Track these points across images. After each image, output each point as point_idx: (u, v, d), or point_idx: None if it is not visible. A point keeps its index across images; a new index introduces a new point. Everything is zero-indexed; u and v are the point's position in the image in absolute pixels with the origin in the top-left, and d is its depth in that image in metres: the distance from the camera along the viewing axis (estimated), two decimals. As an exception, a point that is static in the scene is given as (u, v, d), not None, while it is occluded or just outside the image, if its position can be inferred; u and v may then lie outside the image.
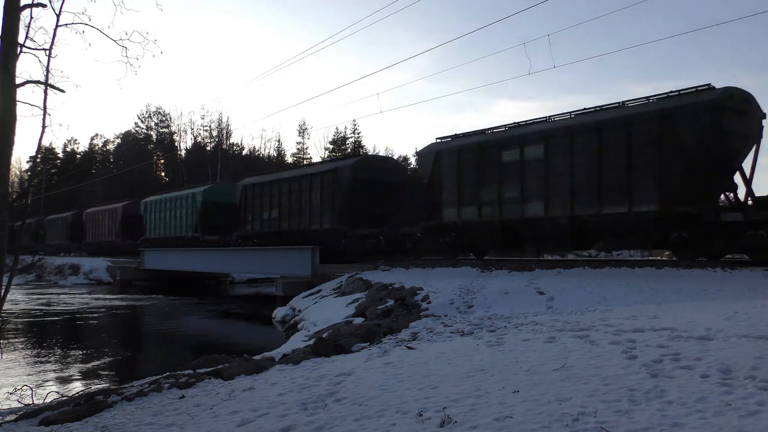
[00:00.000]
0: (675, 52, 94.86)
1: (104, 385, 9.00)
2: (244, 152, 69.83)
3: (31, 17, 6.79)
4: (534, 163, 16.67)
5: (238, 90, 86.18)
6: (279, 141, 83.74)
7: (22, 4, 6.61)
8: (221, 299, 29.15)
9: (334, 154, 63.35)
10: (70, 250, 52.47)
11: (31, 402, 7.62)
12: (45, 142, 19.43)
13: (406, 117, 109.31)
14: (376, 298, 14.34)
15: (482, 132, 19.07)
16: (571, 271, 14.54)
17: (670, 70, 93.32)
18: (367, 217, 22.54)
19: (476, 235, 18.84)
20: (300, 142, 73.17)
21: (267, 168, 50.83)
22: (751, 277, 11.69)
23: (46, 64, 6.90)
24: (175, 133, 71.95)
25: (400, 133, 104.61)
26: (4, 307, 7.01)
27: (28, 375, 10.75)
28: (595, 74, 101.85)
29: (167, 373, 8.17)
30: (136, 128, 73.27)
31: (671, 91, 14.65)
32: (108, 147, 78.59)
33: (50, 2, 6.81)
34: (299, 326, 14.94)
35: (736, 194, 14.57)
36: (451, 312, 11.75)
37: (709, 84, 14.15)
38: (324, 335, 10.81)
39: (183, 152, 69.94)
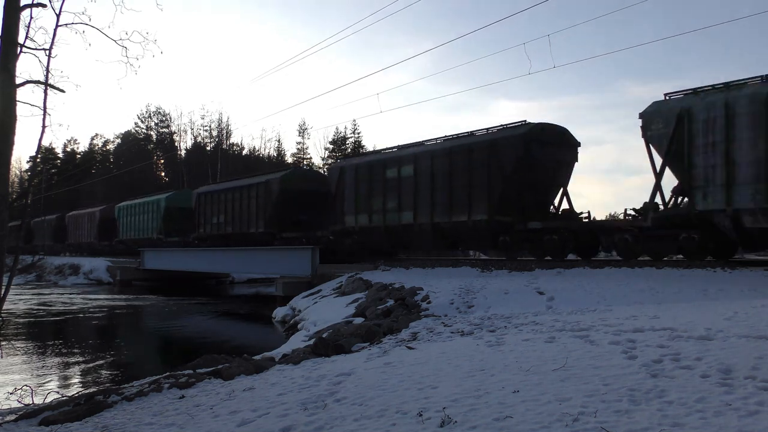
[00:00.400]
0: (673, 53, 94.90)
1: (104, 385, 9.01)
2: (244, 152, 69.86)
3: (31, 17, 6.81)
4: (407, 179, 20.34)
5: (238, 90, 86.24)
6: (279, 141, 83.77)
7: (22, 4, 6.61)
8: (221, 299, 29.15)
9: (334, 154, 63.36)
10: (56, 251, 54.31)
11: (31, 402, 7.62)
12: (45, 142, 19.45)
13: (405, 117, 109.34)
14: (376, 298, 14.35)
15: (376, 152, 23.85)
16: (571, 271, 14.54)
17: (669, 70, 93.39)
18: (292, 222, 26.39)
19: (369, 238, 22.26)
20: (300, 142, 73.24)
21: (267, 168, 50.84)
22: (751, 277, 11.70)
23: (46, 64, 6.92)
24: (175, 133, 72.01)
25: (400, 133, 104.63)
26: (4, 307, 7.01)
27: (28, 375, 10.75)
28: (595, 74, 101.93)
29: (167, 373, 8.17)
30: (136, 128, 73.33)
31: (502, 125, 18.62)
32: (108, 147, 78.64)
33: (50, 2, 6.82)
34: (299, 326, 14.94)
35: (556, 207, 18.59)
36: (451, 312, 11.75)
37: (525, 120, 18.17)
38: (324, 335, 10.81)
39: (183, 152, 69.97)
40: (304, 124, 70.07)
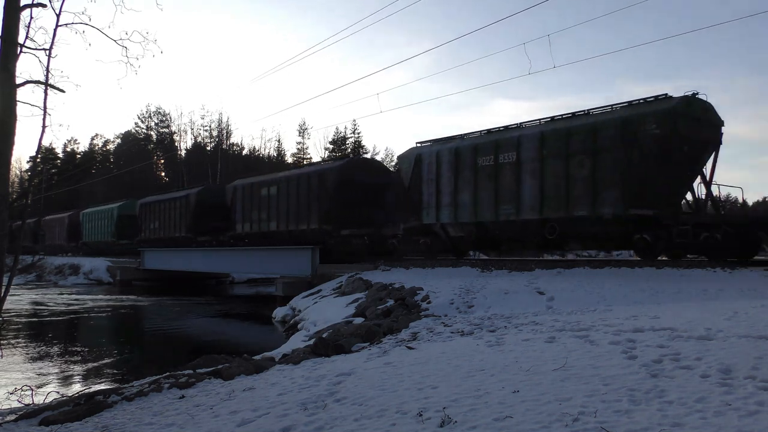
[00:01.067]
0: (671, 53, 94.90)
1: (104, 385, 9.01)
2: (244, 152, 69.86)
3: (31, 17, 6.80)
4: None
5: (238, 90, 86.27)
6: (279, 141, 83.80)
7: (22, 4, 6.61)
8: (221, 299, 29.14)
9: (333, 154, 63.34)
10: (33, 251, 54.55)
11: (31, 402, 7.61)
12: (45, 142, 19.44)
13: (405, 117, 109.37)
14: (376, 298, 14.34)
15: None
16: (571, 271, 14.53)
17: (667, 70, 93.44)
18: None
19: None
20: (300, 142, 73.26)
21: (267, 168, 50.87)
22: (751, 277, 11.70)
23: (46, 64, 6.91)
24: (175, 133, 72.03)
25: (399, 133, 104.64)
26: (4, 307, 7.01)
27: (28, 375, 10.75)
28: (593, 74, 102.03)
29: (167, 373, 8.17)
30: (136, 128, 73.35)
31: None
32: (108, 147, 78.68)
33: (50, 2, 6.82)
34: (299, 326, 14.94)
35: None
36: (451, 312, 11.74)
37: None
38: (324, 335, 10.81)
39: (183, 152, 69.97)
40: (304, 124, 70.25)
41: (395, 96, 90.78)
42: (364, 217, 23.16)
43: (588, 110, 16.33)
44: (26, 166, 75.82)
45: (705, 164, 15.35)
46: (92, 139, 79.51)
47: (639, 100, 15.27)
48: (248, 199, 28.45)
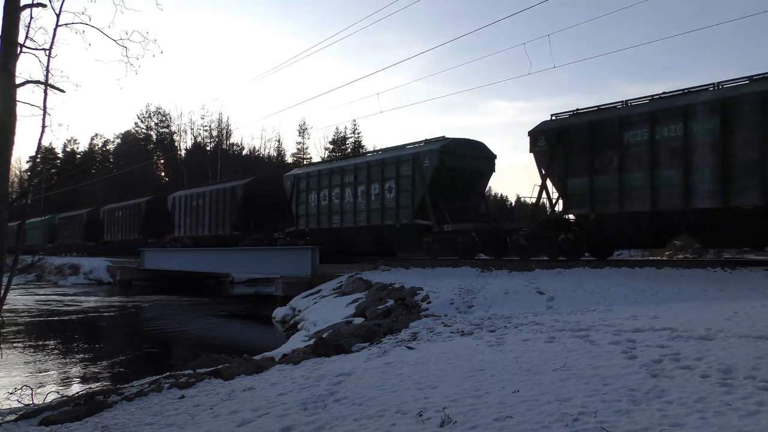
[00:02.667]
0: (666, 53, 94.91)
1: (104, 385, 9.00)
2: (244, 152, 69.83)
3: (31, 17, 6.79)
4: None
5: (239, 90, 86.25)
6: (279, 141, 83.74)
7: (22, 4, 6.61)
8: (221, 299, 29.14)
9: (333, 154, 63.29)
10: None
11: (31, 402, 7.62)
12: (45, 142, 19.43)
13: (405, 117, 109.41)
14: (376, 298, 14.34)
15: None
16: (571, 271, 14.53)
17: (662, 70, 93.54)
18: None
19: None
20: (300, 142, 73.19)
21: (267, 169, 50.84)
22: (751, 277, 11.70)
23: (46, 64, 6.90)
24: (175, 133, 71.97)
25: (400, 133, 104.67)
26: (4, 307, 7.01)
27: (28, 375, 10.75)
28: (588, 74, 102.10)
29: (167, 373, 8.17)
30: (136, 128, 73.31)
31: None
32: (108, 147, 78.67)
33: (50, 2, 6.81)
34: (299, 326, 14.94)
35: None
36: (451, 312, 11.74)
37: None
38: (324, 335, 10.80)
39: (183, 152, 69.94)
40: (304, 124, 70.15)
41: (395, 96, 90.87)
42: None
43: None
44: (26, 166, 75.86)
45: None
46: (92, 139, 79.63)
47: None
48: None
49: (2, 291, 6.66)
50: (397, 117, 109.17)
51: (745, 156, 12.89)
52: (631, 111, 15.00)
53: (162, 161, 70.32)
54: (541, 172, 17.01)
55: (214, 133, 69.11)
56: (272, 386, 6.53)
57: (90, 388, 8.64)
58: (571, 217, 16.68)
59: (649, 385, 4.40)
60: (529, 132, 17.14)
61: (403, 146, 21.69)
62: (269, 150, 72.59)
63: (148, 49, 7.37)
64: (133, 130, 73.60)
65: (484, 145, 21.25)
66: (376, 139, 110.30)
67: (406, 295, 13.56)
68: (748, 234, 13.72)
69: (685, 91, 14.45)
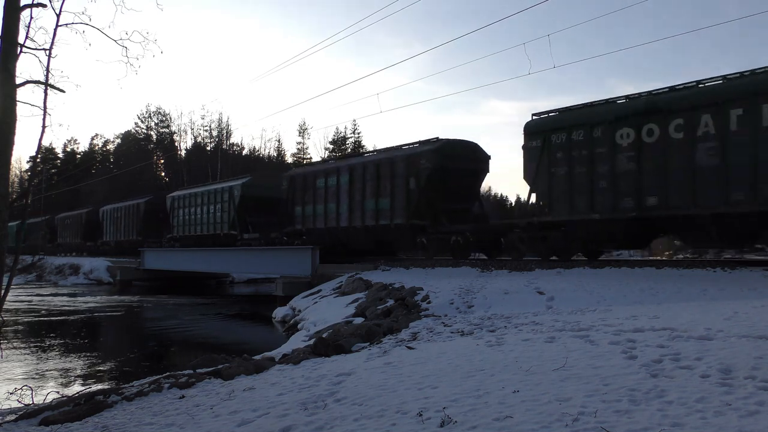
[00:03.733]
0: (662, 53, 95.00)
1: (104, 385, 9.00)
2: (244, 152, 69.84)
3: (31, 17, 6.81)
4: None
5: (239, 90, 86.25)
6: (279, 141, 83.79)
7: (22, 4, 6.61)
8: (221, 299, 29.15)
9: (333, 153, 63.30)
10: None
11: (31, 402, 7.62)
12: (45, 142, 19.46)
13: (405, 117, 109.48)
14: (376, 298, 14.34)
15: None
16: (571, 271, 14.52)
17: (659, 70, 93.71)
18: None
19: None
20: (300, 142, 73.20)
21: (267, 168, 50.82)
22: (751, 277, 11.69)
23: (46, 64, 6.92)
24: (175, 133, 71.99)
25: (400, 133, 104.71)
26: (4, 307, 7.01)
27: (28, 375, 10.75)
28: (584, 73, 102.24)
29: (167, 373, 8.18)
30: (136, 128, 73.32)
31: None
32: (108, 147, 78.69)
33: (50, 2, 6.83)
34: (299, 326, 14.94)
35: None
36: (451, 312, 11.74)
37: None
38: (324, 335, 10.80)
39: (183, 152, 69.95)
40: (304, 124, 70.18)
41: (395, 96, 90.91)
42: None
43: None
44: (26, 166, 75.94)
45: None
46: (92, 139, 79.63)
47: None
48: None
49: (2, 291, 6.66)
50: (397, 117, 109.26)
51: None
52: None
53: (162, 161, 70.33)
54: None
55: (214, 133, 69.19)
56: (272, 386, 6.53)
57: (90, 388, 8.64)
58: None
59: (649, 385, 4.40)
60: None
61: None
62: (269, 150, 72.67)
63: (148, 49, 7.40)
64: (133, 130, 73.65)
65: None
66: (376, 139, 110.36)
67: (406, 295, 13.56)
68: None
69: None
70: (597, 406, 4.02)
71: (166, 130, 72.45)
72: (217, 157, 60.77)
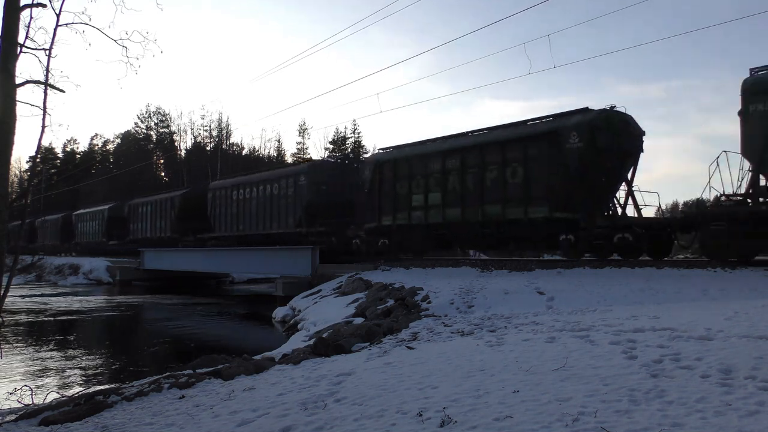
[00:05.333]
0: (665, 53, 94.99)
1: (104, 385, 9.00)
2: (244, 152, 69.79)
3: (31, 17, 6.80)
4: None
5: (239, 89, 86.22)
6: (279, 141, 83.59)
7: (22, 4, 6.61)
8: (221, 299, 29.13)
9: (334, 153, 63.25)
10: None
11: (31, 402, 7.61)
12: (45, 142, 19.42)
13: (405, 116, 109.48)
14: (376, 298, 14.34)
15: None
16: (571, 271, 14.53)
17: (654, 70, 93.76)
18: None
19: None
20: (300, 142, 73.03)
21: (267, 168, 50.76)
22: (751, 277, 11.69)
23: (46, 64, 6.91)
24: (175, 133, 71.94)
25: (400, 133, 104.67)
26: (4, 307, 7.01)
27: (28, 375, 10.75)
28: (578, 73, 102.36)
29: (167, 373, 8.18)
30: (136, 128, 73.27)
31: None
32: (108, 147, 78.63)
33: (50, 2, 6.82)
34: (299, 326, 14.94)
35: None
36: (451, 312, 11.74)
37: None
38: (324, 335, 10.80)
39: (183, 152, 69.92)
40: (304, 124, 69.98)
41: (395, 96, 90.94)
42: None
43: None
44: (26, 166, 75.85)
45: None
46: (92, 139, 79.54)
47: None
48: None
49: (2, 291, 6.66)
50: (397, 117, 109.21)
51: None
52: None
53: (162, 161, 70.30)
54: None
55: (214, 133, 69.15)
56: (272, 386, 6.53)
57: (90, 388, 8.64)
58: None
59: (649, 385, 4.41)
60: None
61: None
62: (269, 150, 72.62)
63: (148, 49, 7.39)
64: (133, 130, 73.59)
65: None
66: (376, 139, 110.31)
67: (406, 295, 13.56)
68: None
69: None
70: (597, 406, 4.02)
71: (166, 130, 72.43)
72: (217, 157, 60.74)
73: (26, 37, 6.75)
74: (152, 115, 72.30)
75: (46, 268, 45.68)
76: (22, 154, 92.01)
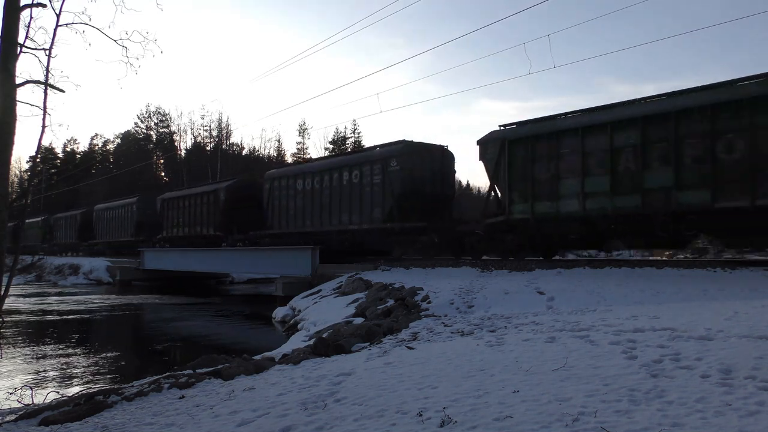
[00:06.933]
0: (664, 53, 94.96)
1: (104, 385, 9.00)
2: (244, 152, 69.82)
3: (31, 17, 6.79)
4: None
5: (239, 89, 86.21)
6: (279, 141, 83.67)
7: (22, 4, 6.60)
8: (221, 299, 29.13)
9: (332, 153, 63.23)
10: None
11: (31, 402, 7.61)
12: (45, 142, 19.44)
13: (405, 116, 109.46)
14: (376, 298, 14.34)
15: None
16: (571, 271, 14.53)
17: (651, 70, 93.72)
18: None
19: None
20: (300, 142, 73.11)
21: (266, 168, 50.68)
22: (751, 277, 11.69)
23: (46, 64, 6.91)
24: (175, 133, 71.99)
25: (400, 133, 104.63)
26: (4, 307, 7.01)
27: (28, 375, 10.75)
28: (572, 73, 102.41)
29: (167, 373, 8.17)
30: (136, 128, 73.35)
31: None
32: (108, 147, 78.72)
33: (50, 2, 6.81)
34: (299, 326, 14.94)
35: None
36: (451, 312, 11.74)
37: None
38: (324, 335, 10.80)
39: (183, 152, 69.94)
40: (304, 124, 70.12)
41: (395, 96, 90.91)
42: None
43: None
44: (26, 166, 75.84)
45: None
46: (92, 139, 79.68)
47: None
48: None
49: (2, 291, 6.66)
50: (397, 117, 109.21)
51: None
52: None
53: (162, 161, 70.32)
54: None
55: (214, 133, 69.17)
56: (272, 386, 6.53)
57: (90, 388, 8.64)
58: None
59: (649, 385, 4.40)
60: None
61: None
62: (269, 150, 72.64)
63: (148, 49, 7.38)
64: (133, 130, 73.66)
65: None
66: (376, 139, 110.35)
67: (406, 295, 13.56)
68: None
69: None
70: (597, 406, 4.02)
71: (166, 130, 72.49)
72: (217, 157, 60.77)
73: (26, 37, 6.75)
74: (152, 115, 72.45)
75: (46, 268, 45.68)
76: (22, 154, 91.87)
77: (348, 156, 25.06)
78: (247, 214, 28.11)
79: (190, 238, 33.04)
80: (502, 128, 17.92)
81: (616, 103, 15.66)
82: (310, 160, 29.15)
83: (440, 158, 21.06)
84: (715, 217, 13.28)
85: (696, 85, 14.26)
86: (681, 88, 14.71)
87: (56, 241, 55.82)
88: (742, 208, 12.63)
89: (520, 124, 17.67)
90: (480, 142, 18.11)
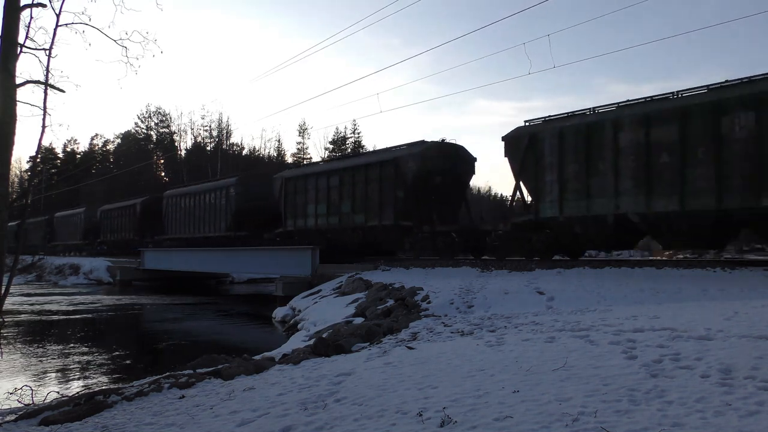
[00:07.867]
0: (664, 54, 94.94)
1: (104, 385, 9.00)
2: (244, 152, 69.82)
3: (31, 17, 6.79)
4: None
5: (239, 89, 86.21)
6: (279, 141, 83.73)
7: (22, 4, 6.60)
8: (221, 299, 29.13)
9: (333, 153, 63.23)
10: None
11: (31, 402, 7.61)
12: (45, 142, 19.45)
13: (405, 116, 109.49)
14: (376, 298, 14.34)
15: None
16: (571, 271, 14.52)
17: (644, 68, 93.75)
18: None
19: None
20: (300, 142, 73.13)
21: (266, 168, 50.69)
22: (751, 277, 11.69)
23: (46, 64, 6.90)
24: (175, 133, 72.00)
25: (400, 133, 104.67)
26: (4, 307, 7.01)
27: (28, 375, 10.75)
28: (570, 73, 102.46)
29: (167, 373, 8.17)
30: (136, 128, 73.36)
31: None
32: (108, 147, 78.72)
33: (50, 2, 6.81)
34: (299, 326, 14.94)
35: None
36: (451, 312, 11.74)
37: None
38: (324, 335, 10.80)
39: (183, 152, 69.93)
40: (304, 124, 70.11)
41: (396, 96, 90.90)
42: None
43: None
44: (26, 166, 75.92)
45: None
46: (92, 139, 79.68)
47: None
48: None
49: (2, 291, 6.66)
50: (397, 117, 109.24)
51: None
52: None
53: (162, 161, 70.31)
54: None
55: (214, 133, 69.17)
56: (272, 386, 6.53)
57: (90, 388, 8.64)
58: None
59: (649, 385, 4.40)
60: None
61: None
62: (269, 150, 72.64)
63: (148, 49, 7.38)
64: (133, 130, 73.68)
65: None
66: (376, 139, 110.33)
67: (406, 295, 13.56)
68: None
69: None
70: (597, 406, 4.02)
71: (166, 130, 72.49)
72: (217, 157, 60.77)
73: (26, 37, 6.75)
74: (152, 115, 72.45)
75: (47, 268, 45.67)
76: (22, 154, 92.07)
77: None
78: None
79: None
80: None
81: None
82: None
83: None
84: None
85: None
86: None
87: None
88: None
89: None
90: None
